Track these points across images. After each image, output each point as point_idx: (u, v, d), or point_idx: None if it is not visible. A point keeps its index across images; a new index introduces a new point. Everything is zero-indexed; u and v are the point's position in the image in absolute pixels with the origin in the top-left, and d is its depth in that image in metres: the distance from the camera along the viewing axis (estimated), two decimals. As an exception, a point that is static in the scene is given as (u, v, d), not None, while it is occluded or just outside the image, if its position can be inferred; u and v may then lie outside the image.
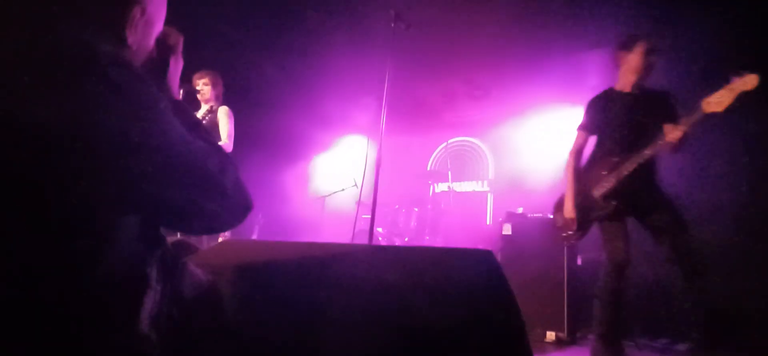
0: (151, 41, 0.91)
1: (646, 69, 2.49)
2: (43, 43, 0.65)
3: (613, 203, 2.46)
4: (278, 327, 0.99)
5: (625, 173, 2.41)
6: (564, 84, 4.67)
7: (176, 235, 2.71)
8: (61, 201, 0.64)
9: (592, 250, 3.80)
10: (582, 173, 2.70)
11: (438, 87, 5.14)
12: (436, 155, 6.10)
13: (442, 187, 5.49)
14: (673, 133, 2.20)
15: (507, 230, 3.76)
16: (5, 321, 0.61)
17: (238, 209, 0.87)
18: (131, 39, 0.83)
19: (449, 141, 5.85)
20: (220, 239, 3.68)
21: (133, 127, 0.68)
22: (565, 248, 3.42)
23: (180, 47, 0.99)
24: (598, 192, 2.54)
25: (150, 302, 0.72)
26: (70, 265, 0.65)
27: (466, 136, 5.91)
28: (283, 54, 4.91)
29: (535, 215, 3.78)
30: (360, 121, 6.30)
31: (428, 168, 6.03)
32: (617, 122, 2.50)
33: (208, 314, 0.88)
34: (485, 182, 5.63)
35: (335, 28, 4.40)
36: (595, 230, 2.68)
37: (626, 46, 2.53)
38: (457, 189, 5.62)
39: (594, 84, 4.49)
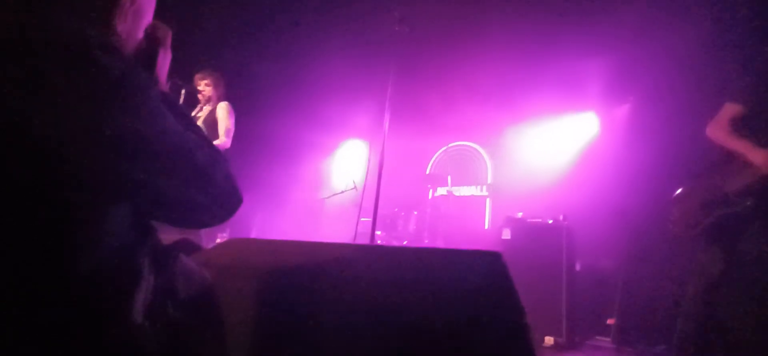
0: (140, 31, 0.90)
1: None
2: (30, 29, 0.64)
3: (748, 202, 2.06)
4: (284, 324, 0.99)
5: None
6: (564, 91, 4.69)
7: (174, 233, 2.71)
8: (51, 190, 0.63)
9: (590, 256, 3.83)
10: (713, 160, 2.29)
11: (439, 91, 5.15)
12: (436, 158, 6.11)
13: (441, 191, 5.49)
14: None
15: (506, 234, 3.77)
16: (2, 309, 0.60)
17: (228, 202, 0.86)
18: (120, 27, 0.83)
19: (449, 145, 5.86)
20: (217, 240, 3.68)
21: (123, 114, 0.67)
22: (564, 253, 3.43)
23: (168, 41, 0.98)
24: (731, 186, 2.14)
25: (143, 292, 0.71)
26: (61, 255, 0.64)
27: (466, 140, 5.92)
28: (285, 56, 4.91)
29: (534, 219, 3.79)
30: (361, 124, 6.31)
31: (428, 172, 6.04)
32: None
33: (202, 306, 0.88)
34: (484, 187, 5.63)
35: (338, 31, 4.41)
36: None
37: None
38: (457, 193, 5.63)
39: (593, 91, 4.53)
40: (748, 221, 2.08)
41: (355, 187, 5.11)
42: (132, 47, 0.89)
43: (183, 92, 3.32)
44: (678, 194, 2.41)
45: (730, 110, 2.19)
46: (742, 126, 2.16)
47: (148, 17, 0.91)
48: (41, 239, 0.62)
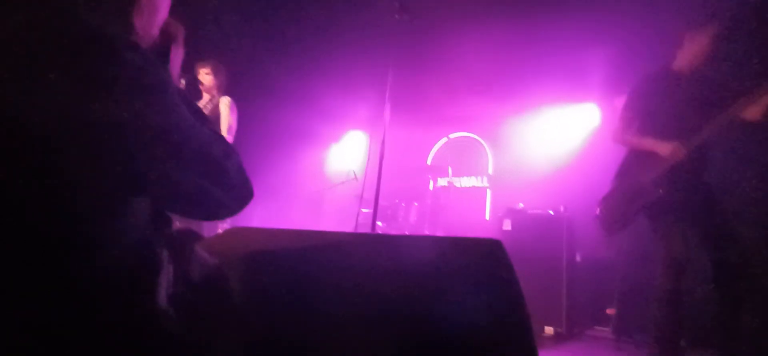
0: (156, 28, 0.91)
1: (712, 53, 2.34)
2: (56, 27, 0.66)
3: (661, 190, 2.28)
4: (285, 312, 1.00)
5: (679, 156, 2.23)
6: (565, 81, 4.67)
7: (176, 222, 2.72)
8: (75, 185, 0.64)
9: (591, 247, 3.83)
10: (629, 158, 2.55)
11: (440, 81, 5.12)
12: (437, 149, 6.10)
13: (442, 182, 5.49)
14: (753, 106, 2.06)
15: (507, 225, 3.77)
16: (31, 303, 0.62)
17: (240, 195, 0.88)
18: (138, 23, 0.84)
19: (450, 136, 5.84)
20: (219, 230, 3.69)
21: (145, 109, 0.69)
22: (565, 244, 3.44)
23: (181, 37, 1.00)
24: (646, 177, 2.37)
25: (164, 280, 0.74)
26: (86, 245, 0.66)
27: (467, 131, 5.91)
28: (285, 47, 4.88)
29: (535, 210, 3.79)
30: (362, 115, 6.29)
31: (428, 162, 6.03)
32: (673, 111, 2.32)
33: (217, 295, 0.90)
34: (485, 178, 5.63)
35: (338, 19, 4.38)
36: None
37: (694, 26, 2.38)
38: (457, 184, 5.63)
39: (595, 82, 4.51)
40: (667, 206, 2.28)
41: (355, 177, 5.11)
42: (147, 43, 0.90)
43: (183, 81, 3.32)
44: (603, 196, 2.65)
45: (626, 116, 2.53)
46: (640, 128, 2.47)
47: (163, 13, 0.93)
48: (66, 231, 0.64)
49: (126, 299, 0.68)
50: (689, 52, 2.37)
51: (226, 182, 0.83)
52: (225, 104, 3.32)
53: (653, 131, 2.37)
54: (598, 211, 2.63)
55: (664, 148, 2.27)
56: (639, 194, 2.38)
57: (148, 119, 0.69)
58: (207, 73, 3.38)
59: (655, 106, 2.39)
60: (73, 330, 0.63)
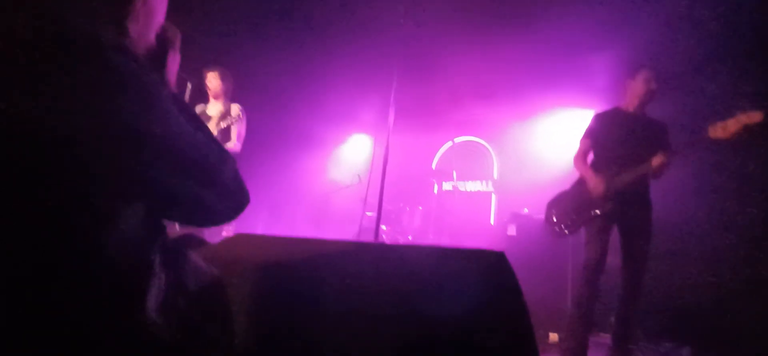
0: (152, 33, 0.91)
1: (648, 95, 2.74)
2: (45, 31, 0.65)
3: (610, 204, 2.63)
4: (284, 320, 1.00)
5: (620, 182, 2.62)
6: (570, 86, 4.65)
7: (176, 228, 2.74)
8: (65, 188, 0.64)
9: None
10: (581, 177, 2.90)
11: (445, 85, 5.12)
12: (442, 153, 6.09)
13: (446, 186, 5.47)
14: (657, 159, 2.47)
15: (512, 230, 3.76)
16: (17, 308, 0.61)
17: (235, 202, 0.88)
18: (132, 29, 0.83)
19: (455, 140, 5.83)
20: (223, 234, 3.70)
21: (136, 114, 0.68)
22: (569, 249, 3.42)
23: (178, 42, 0.99)
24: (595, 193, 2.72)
25: (155, 288, 0.73)
26: (76, 252, 0.65)
27: (472, 135, 5.90)
28: (290, 51, 4.90)
29: (540, 216, 3.77)
30: (367, 119, 6.29)
31: (433, 167, 6.02)
32: (618, 140, 2.74)
33: (212, 303, 0.89)
34: (489, 183, 5.61)
35: (343, 25, 4.39)
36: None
37: (631, 74, 2.83)
38: (462, 188, 5.61)
39: (600, 86, 4.48)
40: (613, 219, 2.64)
41: (359, 180, 5.11)
42: (143, 48, 0.89)
43: (189, 86, 3.34)
44: (552, 200, 3.03)
45: (583, 143, 2.93)
46: (594, 154, 2.89)
47: (159, 18, 0.92)
48: (56, 237, 0.64)
49: (115, 306, 0.67)
50: (630, 95, 2.81)
51: (220, 188, 0.83)
52: (234, 111, 3.34)
53: (603, 156, 2.81)
54: (549, 216, 2.96)
55: (591, 181, 2.70)
56: (590, 205, 2.71)
57: (141, 125, 0.68)
58: (214, 78, 3.40)
59: (605, 137, 2.83)
60: (63, 336, 0.63)
